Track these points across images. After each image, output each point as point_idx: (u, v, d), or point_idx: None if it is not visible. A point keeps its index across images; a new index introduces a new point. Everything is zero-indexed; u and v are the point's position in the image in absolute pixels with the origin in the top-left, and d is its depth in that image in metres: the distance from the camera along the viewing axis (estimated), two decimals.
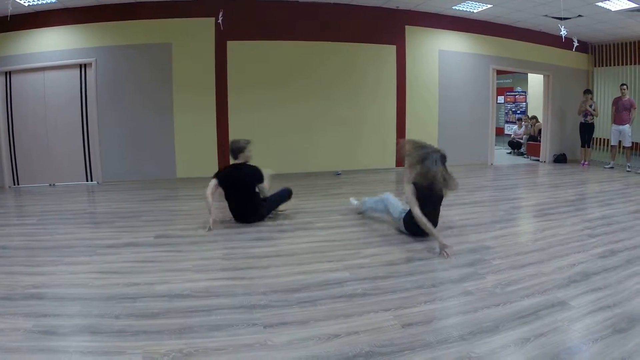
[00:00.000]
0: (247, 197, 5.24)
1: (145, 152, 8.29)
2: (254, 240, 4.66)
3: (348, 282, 3.52)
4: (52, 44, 7.87)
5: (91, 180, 8.28)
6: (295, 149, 8.89)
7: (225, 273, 3.75)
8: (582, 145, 10.82)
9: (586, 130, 10.66)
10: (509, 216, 5.79)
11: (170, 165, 8.41)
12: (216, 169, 8.38)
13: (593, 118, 10.54)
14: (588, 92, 10.66)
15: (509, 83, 16.21)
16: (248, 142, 5.27)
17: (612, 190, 7.69)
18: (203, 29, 8.24)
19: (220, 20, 7.48)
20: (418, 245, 4.50)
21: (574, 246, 4.48)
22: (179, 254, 4.20)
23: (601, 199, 6.94)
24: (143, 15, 8.03)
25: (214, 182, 5.10)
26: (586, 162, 10.75)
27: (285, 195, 5.57)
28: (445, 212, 5.80)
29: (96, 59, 7.99)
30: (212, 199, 5.04)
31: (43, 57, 7.84)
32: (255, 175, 5.20)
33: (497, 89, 11.77)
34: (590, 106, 10.49)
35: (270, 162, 8.42)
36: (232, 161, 5.34)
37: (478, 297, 3.27)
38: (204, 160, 8.48)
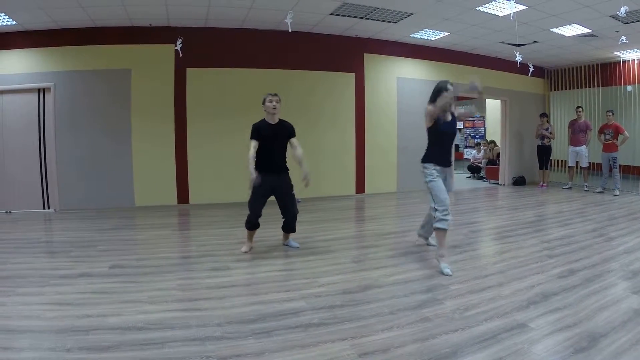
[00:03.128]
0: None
1: (103, 180, 8.05)
2: (210, 270, 4.49)
3: (304, 312, 3.40)
4: (11, 66, 7.68)
5: (48, 208, 7.99)
6: None
7: (179, 304, 3.60)
8: (540, 168, 11.03)
9: (543, 153, 10.86)
10: (468, 240, 5.74)
11: (129, 194, 8.18)
12: (175, 198, 8.45)
13: (550, 141, 10.75)
14: (544, 115, 10.90)
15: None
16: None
17: (571, 210, 7.78)
18: (162, 55, 8.12)
19: (178, 48, 7.38)
20: (375, 273, 4.40)
21: (533, 267, 4.45)
22: (133, 285, 4.04)
23: (560, 219, 7.00)
24: (103, 40, 7.90)
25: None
26: (545, 184, 10.92)
27: None
28: (403, 239, 5.78)
29: (55, 84, 7.79)
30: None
31: (1, 80, 7.65)
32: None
33: None
34: (547, 129, 10.71)
35: (229, 191, 8.36)
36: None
37: (436, 324, 3.17)
38: (162, 188, 8.32)
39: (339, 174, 9.48)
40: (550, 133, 10.76)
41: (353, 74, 9.43)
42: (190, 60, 8.16)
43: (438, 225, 4.47)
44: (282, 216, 5.24)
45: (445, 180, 4.72)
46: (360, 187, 9.69)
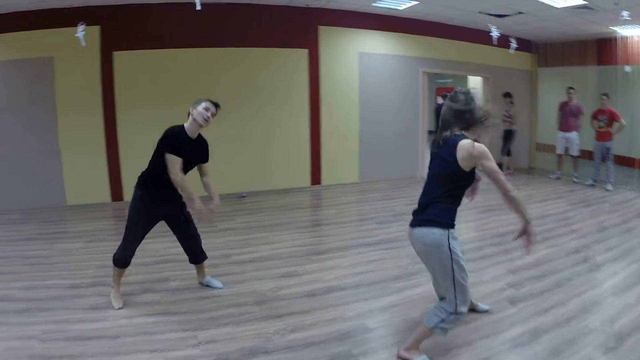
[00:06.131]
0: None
1: (31, 179, 7.10)
2: (89, 309, 3.60)
3: None
4: None
5: None
6: (194, 171, 7.56)
7: None
8: (502, 154, 9.76)
9: (505, 137, 9.62)
10: (413, 268, 4.43)
11: (59, 192, 7.22)
12: (108, 193, 7.39)
13: (511, 125, 9.50)
14: (508, 95, 9.66)
15: (449, 83, 15.46)
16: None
17: (554, 214, 6.55)
18: (87, 39, 6.84)
19: (80, 35, 6.08)
20: (274, 325, 3.29)
21: (485, 324, 3.28)
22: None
23: (538, 229, 5.69)
24: (18, 27, 6.81)
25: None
26: (510, 172, 9.71)
27: None
28: (340, 260, 4.64)
29: None
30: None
31: None
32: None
33: (437, 89, 10.71)
34: (507, 112, 9.43)
35: None
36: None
37: None
38: (94, 184, 7.35)
39: (292, 163, 8.35)
40: (510, 117, 9.50)
41: (306, 50, 8.20)
42: (116, 42, 7.11)
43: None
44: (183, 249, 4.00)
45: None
46: (315, 178, 8.57)
